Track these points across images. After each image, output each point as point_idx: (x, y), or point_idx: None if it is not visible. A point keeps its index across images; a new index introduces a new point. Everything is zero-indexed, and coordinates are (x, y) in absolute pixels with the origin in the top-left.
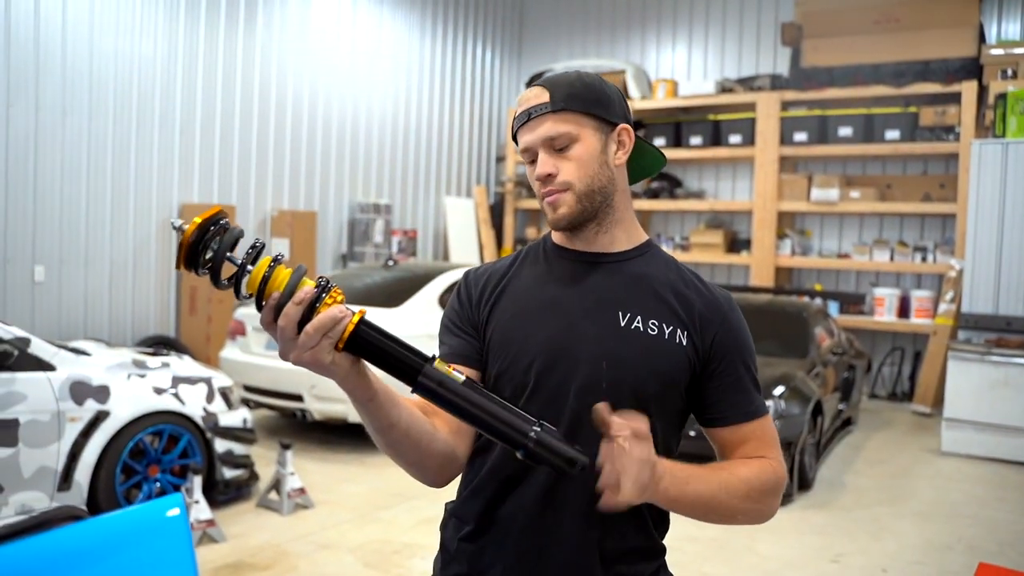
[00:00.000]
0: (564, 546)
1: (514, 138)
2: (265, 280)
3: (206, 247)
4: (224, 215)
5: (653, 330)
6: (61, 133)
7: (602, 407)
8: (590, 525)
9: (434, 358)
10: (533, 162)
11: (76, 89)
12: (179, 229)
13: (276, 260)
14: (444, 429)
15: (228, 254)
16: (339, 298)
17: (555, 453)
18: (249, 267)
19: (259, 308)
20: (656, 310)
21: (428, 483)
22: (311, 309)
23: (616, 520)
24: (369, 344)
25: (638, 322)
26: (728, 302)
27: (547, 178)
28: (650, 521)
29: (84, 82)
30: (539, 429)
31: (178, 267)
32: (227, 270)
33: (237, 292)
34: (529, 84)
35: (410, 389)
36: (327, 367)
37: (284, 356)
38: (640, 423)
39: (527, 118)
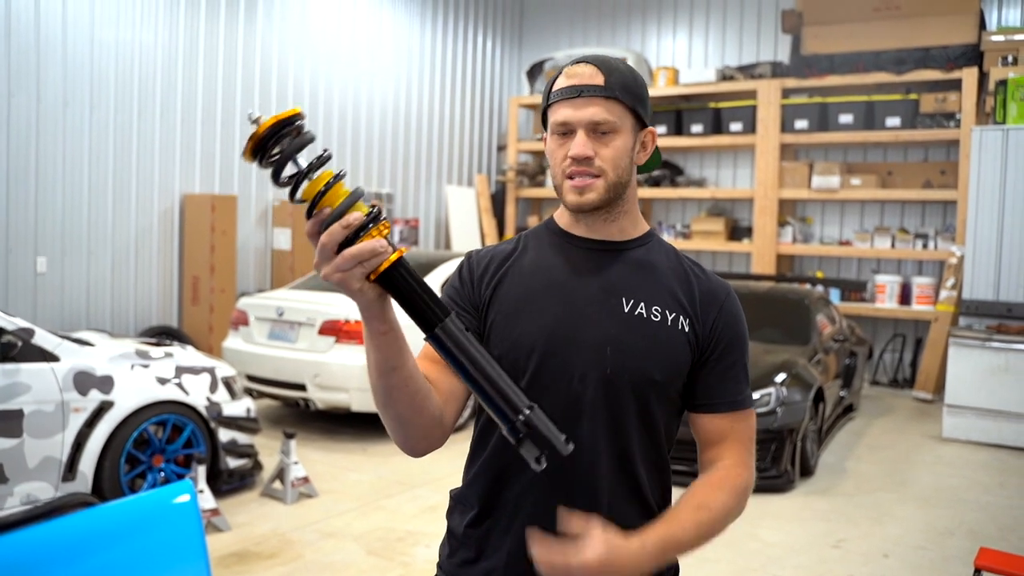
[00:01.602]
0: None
1: (545, 110)
2: (322, 193)
3: (277, 142)
4: (302, 117)
5: (656, 316)
6: (62, 124)
7: (571, 521)
8: (597, 505)
9: (457, 316)
10: (564, 136)
11: (77, 80)
12: (255, 122)
13: (337, 176)
14: (436, 393)
15: (295, 156)
16: (385, 232)
17: (542, 436)
18: (311, 175)
19: (308, 216)
20: (659, 296)
21: (409, 446)
22: (355, 235)
23: (622, 501)
24: (400, 284)
25: (641, 308)
26: (726, 290)
27: (584, 160)
28: (654, 502)
29: (85, 72)
30: (529, 412)
31: (245, 155)
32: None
33: (292, 195)
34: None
35: (424, 336)
36: (354, 292)
37: (317, 268)
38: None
39: (577, 94)
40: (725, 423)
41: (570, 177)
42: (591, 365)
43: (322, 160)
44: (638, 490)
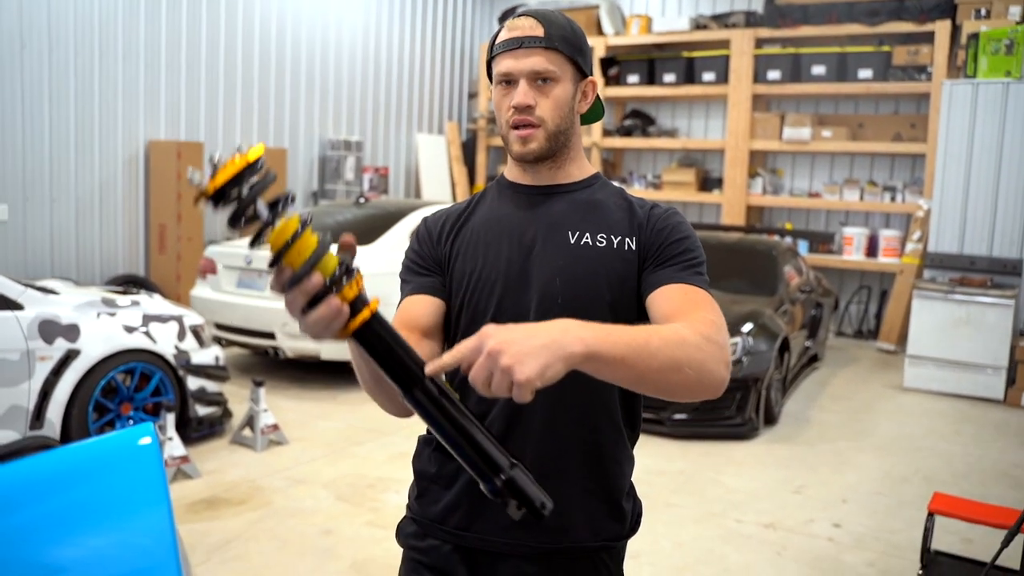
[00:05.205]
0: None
1: (489, 62)
2: (288, 245)
3: (236, 185)
4: (263, 159)
5: (602, 242)
6: (19, 66)
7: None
8: (578, 430)
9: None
10: (507, 86)
11: (34, 20)
12: (215, 165)
13: (304, 224)
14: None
15: (256, 200)
16: (355, 289)
17: (523, 496)
18: (275, 222)
19: (271, 265)
20: (604, 225)
21: (405, 412)
22: (324, 294)
23: (602, 421)
24: (374, 342)
25: (587, 238)
26: (672, 210)
27: (525, 108)
28: (623, 425)
29: (42, 13)
30: (511, 471)
31: (197, 201)
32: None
33: (254, 241)
34: (503, 18)
35: (400, 395)
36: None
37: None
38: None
39: (518, 45)
40: (675, 291)
41: (515, 127)
42: (544, 298)
43: (285, 202)
44: (610, 414)
